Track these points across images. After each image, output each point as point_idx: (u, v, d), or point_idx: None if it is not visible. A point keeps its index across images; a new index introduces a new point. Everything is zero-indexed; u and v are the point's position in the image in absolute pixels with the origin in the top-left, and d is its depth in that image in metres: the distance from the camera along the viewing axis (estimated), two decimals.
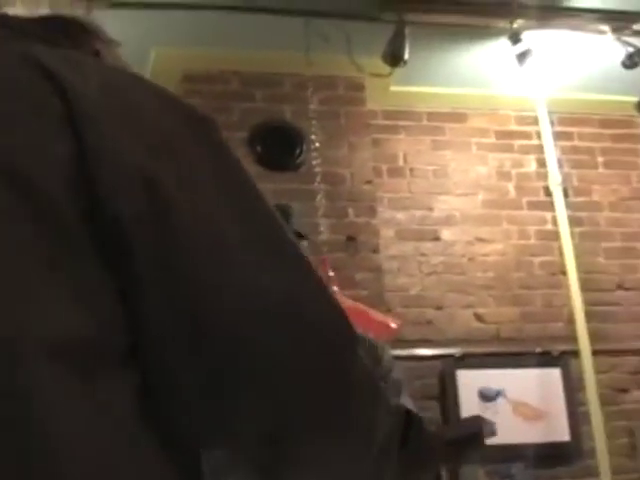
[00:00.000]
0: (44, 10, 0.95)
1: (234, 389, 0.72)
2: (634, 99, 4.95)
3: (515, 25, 4.46)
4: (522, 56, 4.52)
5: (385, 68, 4.46)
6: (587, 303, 4.84)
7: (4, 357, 0.62)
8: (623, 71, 4.56)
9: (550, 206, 5.07)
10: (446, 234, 4.91)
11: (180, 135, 0.78)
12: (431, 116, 5.14)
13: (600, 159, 5.32)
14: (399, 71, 4.52)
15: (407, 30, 4.30)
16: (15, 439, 0.60)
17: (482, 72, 4.90)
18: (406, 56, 4.31)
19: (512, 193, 5.10)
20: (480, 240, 4.93)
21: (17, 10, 0.90)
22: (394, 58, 4.34)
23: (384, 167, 4.94)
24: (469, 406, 4.49)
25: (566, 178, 5.16)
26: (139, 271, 0.70)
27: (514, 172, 5.14)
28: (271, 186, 4.09)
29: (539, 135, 5.21)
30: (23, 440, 0.60)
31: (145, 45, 4.32)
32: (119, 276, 0.69)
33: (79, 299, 0.67)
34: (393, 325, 3.81)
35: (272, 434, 0.75)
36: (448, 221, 4.94)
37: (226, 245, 0.74)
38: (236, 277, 0.73)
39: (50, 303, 0.65)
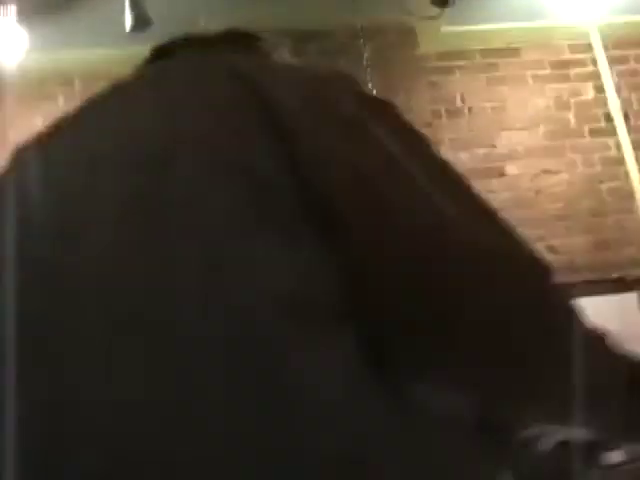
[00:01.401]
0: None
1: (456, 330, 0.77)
2: None
3: None
4: None
5: (435, 10, 4.43)
6: None
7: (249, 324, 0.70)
8: None
9: (612, 132, 5.03)
10: (511, 169, 4.90)
11: (362, 119, 0.87)
12: (484, 53, 5.10)
13: None
14: (448, 12, 4.50)
15: None
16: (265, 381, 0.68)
17: (531, 4, 4.86)
18: None
19: (573, 123, 5.07)
20: (546, 172, 4.91)
21: None
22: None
23: (442, 109, 4.93)
24: None
25: (625, 102, 5.11)
26: (353, 239, 0.77)
27: (573, 101, 5.10)
28: None
29: (595, 62, 5.16)
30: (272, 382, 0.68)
31: None
32: (333, 245, 0.77)
33: (300, 262, 0.75)
34: None
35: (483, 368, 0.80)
36: (512, 156, 4.92)
37: (433, 202, 0.81)
38: (453, 232, 0.79)
39: (278, 266, 0.74)
